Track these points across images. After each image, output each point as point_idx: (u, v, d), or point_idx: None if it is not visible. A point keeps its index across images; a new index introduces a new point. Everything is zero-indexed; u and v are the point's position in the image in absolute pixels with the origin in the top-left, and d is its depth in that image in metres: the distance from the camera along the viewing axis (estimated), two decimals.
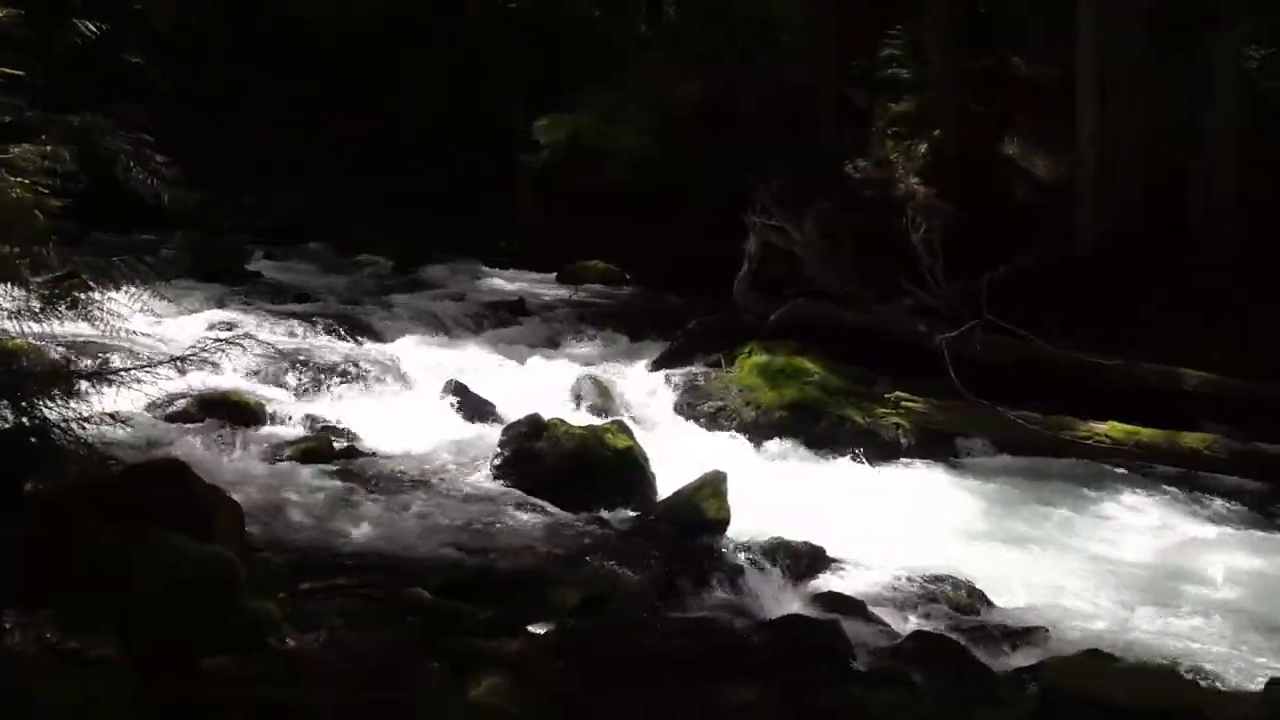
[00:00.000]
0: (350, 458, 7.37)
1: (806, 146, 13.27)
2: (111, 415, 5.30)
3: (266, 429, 7.76)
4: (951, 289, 10.07)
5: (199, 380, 8.06)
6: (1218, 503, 7.82)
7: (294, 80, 17.18)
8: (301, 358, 9.20)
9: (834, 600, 5.83)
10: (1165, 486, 8.15)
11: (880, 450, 8.80)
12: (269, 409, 8.03)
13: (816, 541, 6.48)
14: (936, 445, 8.94)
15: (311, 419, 8.03)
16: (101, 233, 8.82)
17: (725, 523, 6.43)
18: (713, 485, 6.50)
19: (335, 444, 7.60)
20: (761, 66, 14.13)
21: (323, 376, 8.94)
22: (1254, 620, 5.97)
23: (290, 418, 8.06)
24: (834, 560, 6.43)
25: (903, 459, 8.76)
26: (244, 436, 7.47)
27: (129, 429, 6.61)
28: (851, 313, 10.12)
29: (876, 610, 5.83)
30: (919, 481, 8.25)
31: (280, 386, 8.64)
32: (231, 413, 7.79)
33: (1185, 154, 11.67)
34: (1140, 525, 7.54)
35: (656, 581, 5.59)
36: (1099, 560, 6.97)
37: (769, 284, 10.74)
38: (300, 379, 8.82)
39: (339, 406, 8.45)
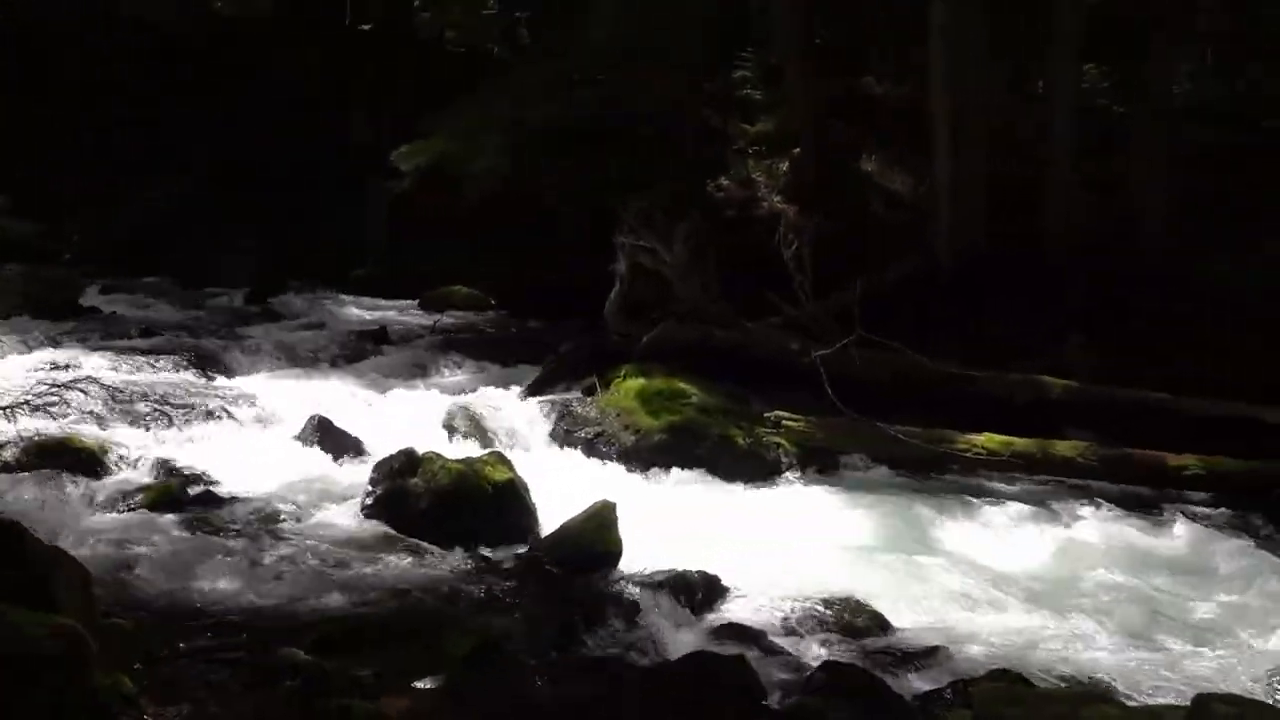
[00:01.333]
0: (207, 504, 6.74)
1: (669, 167, 13.12)
2: None
3: (112, 477, 7.08)
4: (820, 305, 10.01)
5: (32, 425, 7.40)
6: (1095, 508, 7.82)
7: (146, 83, 16.17)
8: (149, 397, 8.50)
9: (735, 632, 5.53)
10: (1043, 495, 8.17)
11: (763, 470, 8.59)
12: (113, 454, 7.34)
13: (711, 570, 6.20)
14: (818, 463, 8.78)
15: (162, 463, 7.36)
16: None
17: (617, 555, 6.08)
18: (601, 516, 6.14)
19: (190, 489, 6.97)
20: (618, 89, 13.95)
21: (173, 416, 8.26)
22: (1151, 624, 5.93)
23: (138, 462, 7.39)
24: (729, 589, 6.15)
25: (786, 478, 8.56)
26: (86, 487, 6.80)
27: None
28: (723, 331, 9.93)
29: (778, 640, 5.55)
30: (804, 501, 8.05)
31: (125, 427, 7.92)
32: (71, 460, 7.08)
33: (1028, 173, 11.97)
34: (1025, 535, 7.46)
35: (550, 623, 5.20)
36: (987, 572, 6.85)
37: (639, 305, 10.47)
38: (148, 420, 8.13)
39: (192, 449, 7.79)
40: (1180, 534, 7.43)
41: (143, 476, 7.18)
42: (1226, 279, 9.58)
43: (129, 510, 6.54)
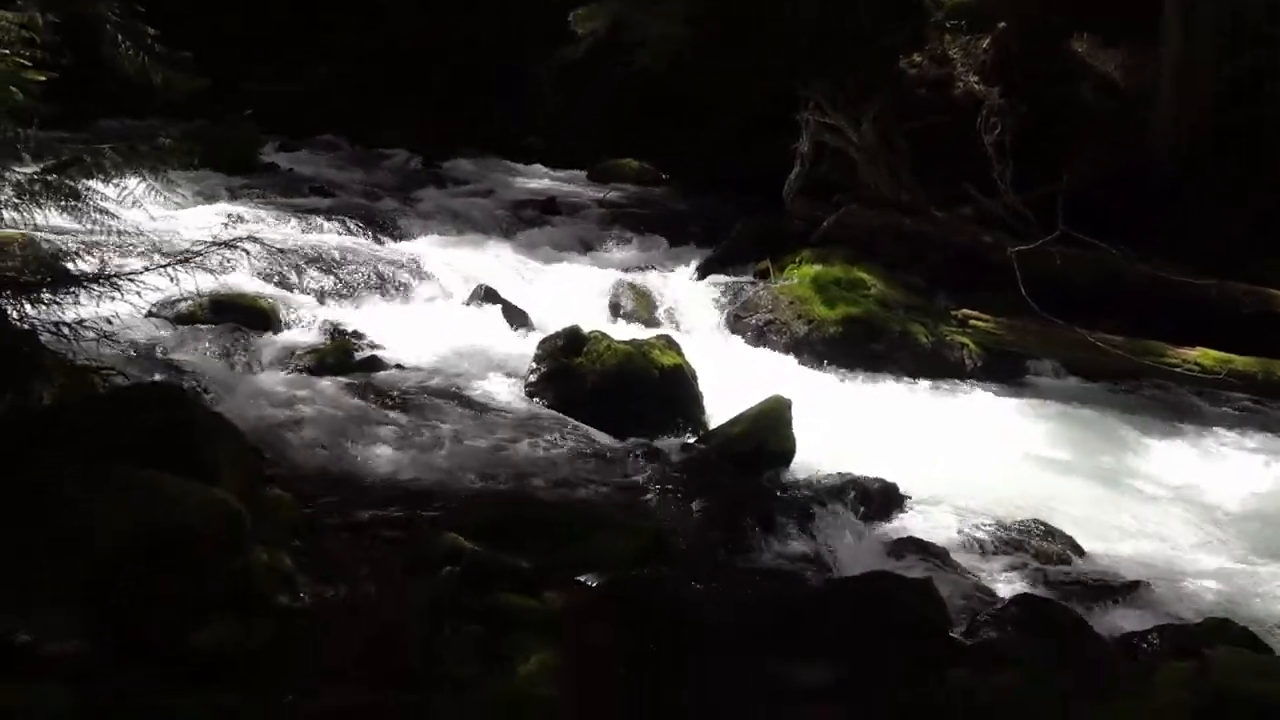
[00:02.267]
0: (371, 369, 6.60)
1: (855, 40, 12.20)
2: (109, 320, 4.63)
3: (281, 335, 6.99)
4: (1018, 197, 9.18)
5: (209, 279, 7.36)
6: None
7: None
8: (319, 258, 8.38)
9: (915, 548, 5.09)
10: (1262, 422, 7.37)
11: (945, 371, 8.02)
12: (284, 314, 7.25)
13: (887, 477, 5.75)
14: (1004, 367, 8.15)
15: (330, 325, 7.24)
16: (88, 118, 7.94)
17: (790, 455, 5.67)
18: (775, 413, 5.72)
19: (355, 353, 6.83)
20: None
21: (342, 279, 8.13)
22: None
23: (307, 323, 7.29)
24: (907, 499, 5.71)
25: (970, 381, 7.97)
26: (256, 343, 6.72)
27: (130, 334, 6.01)
28: (910, 219, 9.23)
29: (963, 561, 5.11)
30: (990, 408, 7.46)
31: (296, 289, 7.82)
32: (243, 316, 7.02)
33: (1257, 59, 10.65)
34: (1240, 465, 6.75)
35: (719, 524, 4.85)
36: (1195, 504, 6.20)
37: (821, 187, 9.83)
38: (318, 281, 8.01)
39: (360, 312, 7.66)
40: None
41: (311, 337, 7.08)
42: None
43: (296, 370, 6.45)
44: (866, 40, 11.97)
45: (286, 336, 6.98)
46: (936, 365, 8.05)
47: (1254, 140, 10.05)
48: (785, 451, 5.63)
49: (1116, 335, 7.93)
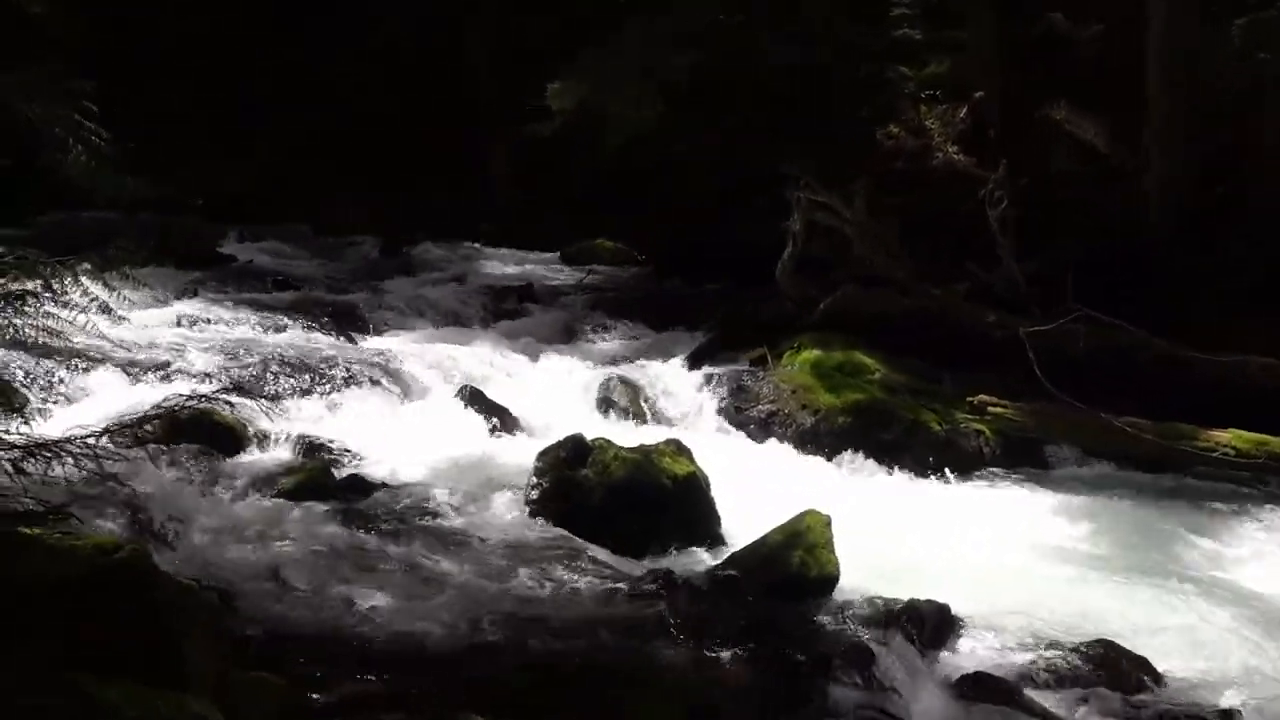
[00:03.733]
0: (354, 492, 5.89)
1: (829, 116, 11.82)
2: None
3: (252, 456, 6.30)
4: (1015, 271, 8.73)
5: (168, 390, 6.66)
6: None
7: (240, 42, 15.35)
8: (288, 361, 7.71)
9: (982, 686, 4.46)
10: None
11: (962, 462, 7.47)
12: (253, 430, 6.53)
13: (935, 595, 5.13)
14: (1024, 454, 7.63)
15: (305, 440, 6.55)
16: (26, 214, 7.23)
17: (834, 581, 5.03)
18: (813, 531, 5.09)
19: (335, 471, 6.13)
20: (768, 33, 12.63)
21: (314, 384, 7.45)
22: None
23: (279, 439, 6.59)
24: (960, 621, 5.08)
25: (989, 472, 7.44)
26: (225, 467, 6.01)
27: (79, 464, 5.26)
28: (910, 299, 8.74)
29: (1034, 697, 4.47)
30: (1020, 503, 6.90)
31: (264, 398, 7.07)
32: (209, 435, 6.28)
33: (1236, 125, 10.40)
34: None
35: (767, 673, 4.18)
36: (1254, 604, 5.65)
37: (813, 267, 9.33)
38: (288, 388, 7.34)
39: (336, 422, 6.98)
40: None
41: (286, 455, 6.40)
42: None
43: (271, 497, 5.72)
44: (840, 114, 11.66)
45: (258, 457, 6.28)
46: (953, 455, 7.50)
47: (1239, 211, 9.76)
48: (828, 577, 4.99)
49: (1132, 416, 7.44)
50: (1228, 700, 4.61)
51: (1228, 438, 7.02)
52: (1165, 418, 7.53)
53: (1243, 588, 5.78)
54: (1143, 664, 4.88)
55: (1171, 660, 4.98)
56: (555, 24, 14.41)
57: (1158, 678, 4.82)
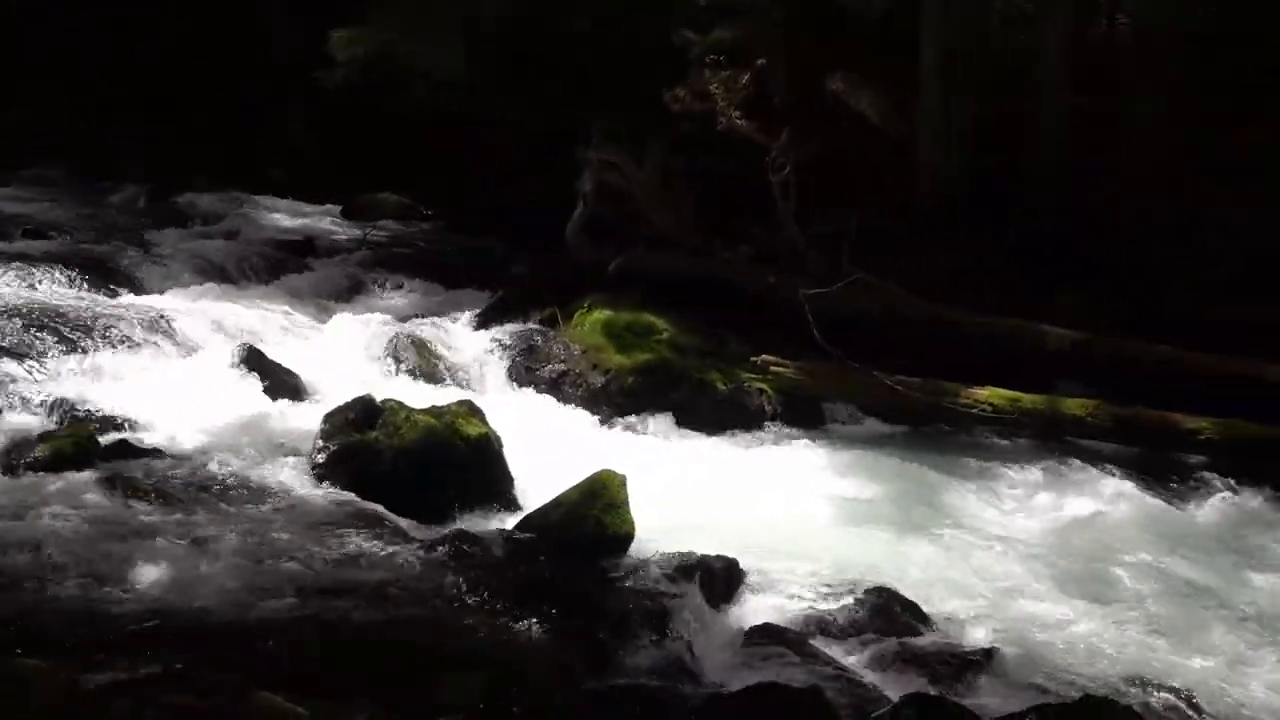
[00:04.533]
0: (123, 458, 5.50)
1: (626, 75, 11.82)
2: None
3: (3, 423, 5.75)
4: (797, 235, 9.02)
5: None
6: (1108, 474, 7.09)
7: None
8: (41, 318, 7.12)
9: (771, 637, 4.62)
10: (1047, 454, 7.43)
11: (745, 419, 7.72)
12: (5, 394, 5.98)
13: (723, 550, 5.26)
14: (803, 413, 7.92)
15: (65, 404, 6.06)
16: None
17: (630, 538, 5.08)
18: (609, 491, 5.11)
19: (100, 439, 5.70)
20: None
21: (74, 343, 6.90)
22: (1201, 625, 5.23)
23: (33, 402, 6.07)
24: (747, 575, 5.24)
25: (770, 428, 7.71)
26: None
27: None
28: (697, 261, 8.88)
29: (823, 649, 4.66)
30: (797, 457, 7.17)
31: (14, 360, 6.52)
32: None
33: (1013, 106, 11.06)
34: (1041, 504, 6.69)
35: (570, 638, 4.17)
36: (1011, 550, 6.06)
37: (602, 228, 9.33)
38: (42, 348, 6.76)
39: (100, 385, 6.49)
40: (1205, 506, 6.76)
41: (41, 421, 5.88)
42: (1228, 223, 8.81)
43: (27, 470, 5.26)
44: (637, 75, 11.67)
45: (10, 422, 5.76)
46: (737, 413, 7.73)
47: (1010, 182, 10.38)
48: (624, 535, 5.03)
49: (904, 375, 7.85)
50: (990, 639, 4.95)
51: (986, 394, 7.51)
52: (935, 375, 7.98)
53: (1003, 534, 6.21)
54: (914, 609, 5.18)
55: (940, 604, 5.32)
56: None
57: (926, 620, 5.13)
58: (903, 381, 7.58)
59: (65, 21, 13.95)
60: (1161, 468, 7.29)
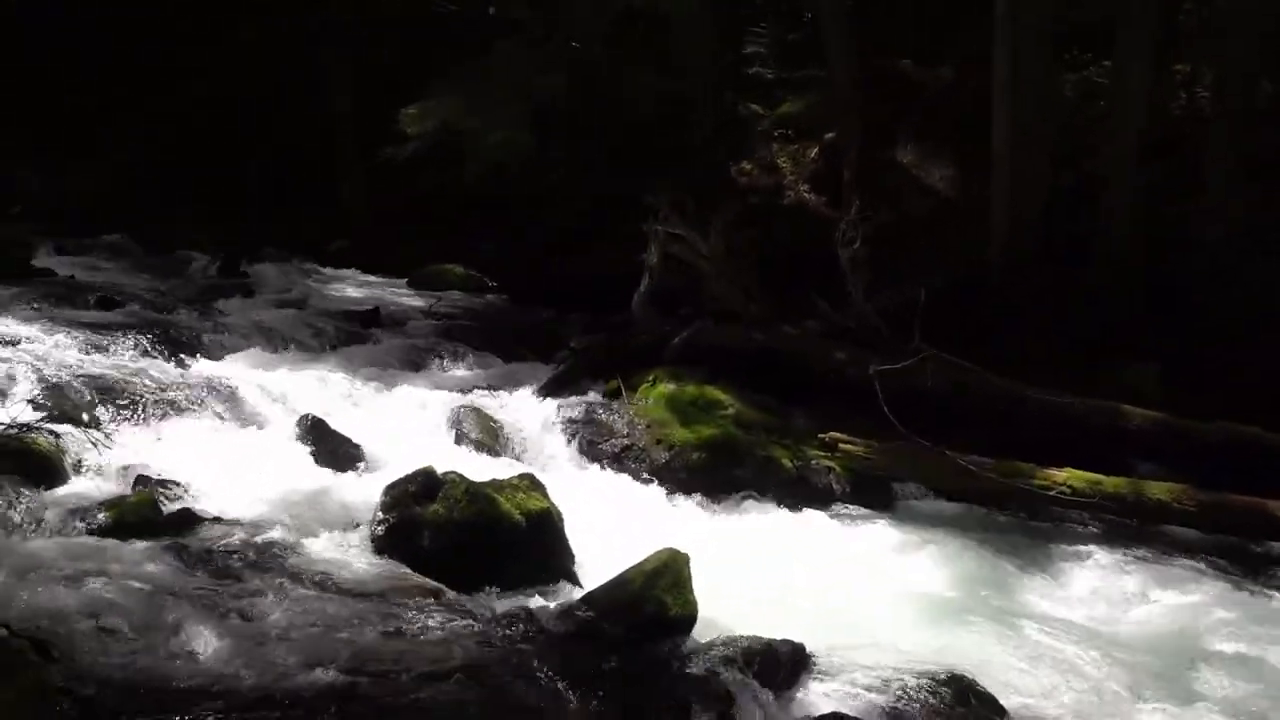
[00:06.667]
0: (185, 526, 5.56)
1: (688, 149, 11.99)
2: None
3: (68, 487, 5.87)
4: (867, 309, 8.97)
5: None
6: (1194, 560, 6.89)
7: (91, 43, 14.67)
8: (111, 386, 7.25)
9: None
10: (1128, 539, 7.23)
11: (813, 498, 7.62)
12: (70, 459, 6.12)
13: (790, 634, 5.15)
14: (871, 491, 7.81)
15: (130, 470, 6.16)
16: None
17: (692, 621, 4.99)
18: (671, 571, 5.04)
19: (164, 506, 5.79)
20: (635, 61, 12.74)
21: (141, 411, 7.04)
22: None
23: (101, 469, 6.19)
24: (814, 659, 5.11)
25: (839, 508, 7.59)
26: (38, 500, 5.57)
27: None
28: (763, 335, 8.87)
29: None
30: (869, 539, 7.04)
31: (84, 426, 6.67)
32: (18, 465, 5.83)
33: (1081, 171, 11.02)
34: (1119, 592, 6.50)
35: None
36: (1092, 636, 5.89)
37: (668, 299, 9.39)
38: (111, 415, 6.89)
39: (164, 452, 6.58)
40: None
41: (107, 487, 5.99)
42: None
43: (90, 533, 5.35)
44: (698, 148, 11.86)
45: (75, 488, 5.87)
46: (804, 491, 7.65)
47: (1083, 255, 10.31)
48: (688, 617, 4.95)
49: (973, 451, 7.71)
50: None
51: (1064, 476, 7.34)
52: (1004, 452, 7.83)
53: (1082, 624, 6.02)
54: (991, 701, 5.01)
55: (1017, 696, 5.15)
56: (419, 47, 14.28)
57: (1004, 714, 4.96)
58: (975, 462, 7.44)
59: (112, 77, 14.55)
60: (1251, 557, 7.06)
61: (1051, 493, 7.30)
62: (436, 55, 12.88)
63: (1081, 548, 7.07)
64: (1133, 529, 7.45)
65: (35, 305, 9.49)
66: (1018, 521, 7.58)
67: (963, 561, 6.76)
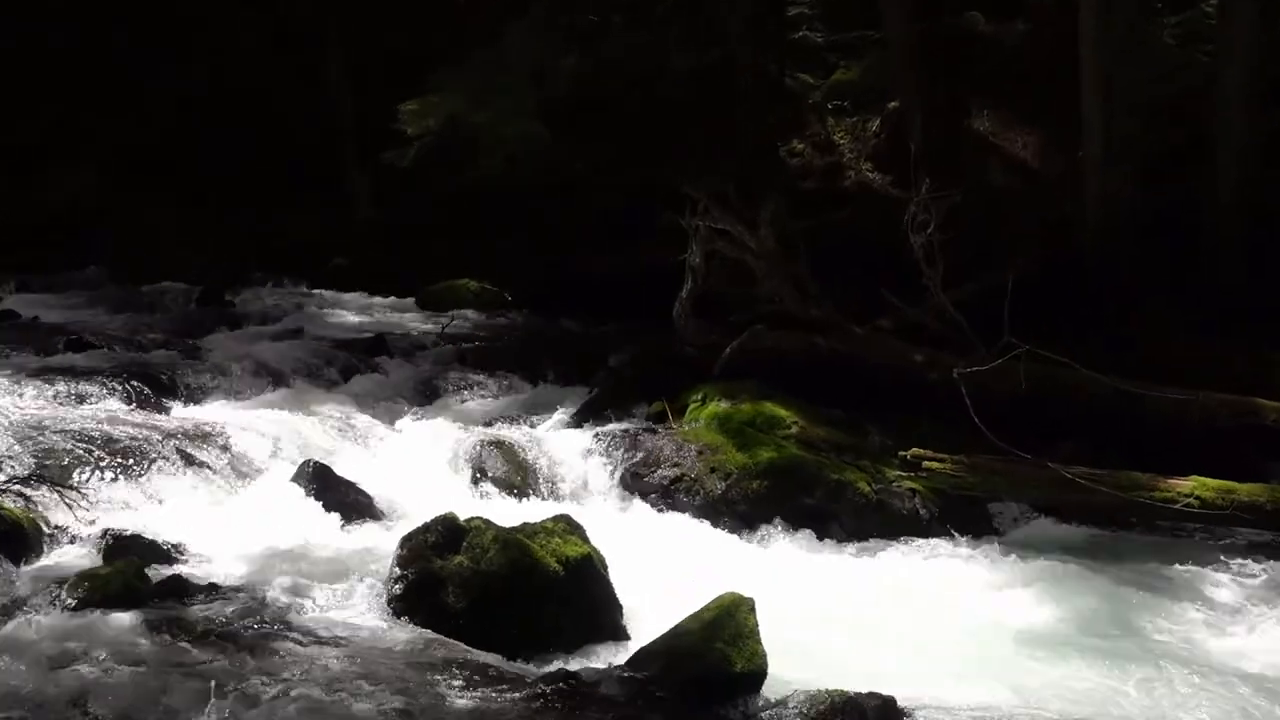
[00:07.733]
0: (176, 595, 5.59)
1: (729, 129, 11.97)
2: None
3: (44, 559, 5.96)
4: (942, 304, 8.89)
5: None
6: None
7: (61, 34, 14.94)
8: (87, 438, 7.36)
9: None
10: (1269, 557, 7.09)
11: (897, 526, 7.57)
12: (44, 523, 6.21)
13: (877, 687, 5.10)
14: (962, 514, 7.73)
15: (112, 536, 6.24)
16: None
17: (762, 675, 4.95)
18: (734, 620, 5.01)
19: (150, 573, 5.83)
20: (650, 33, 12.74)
21: (120, 464, 7.13)
22: None
23: (79, 534, 6.28)
24: (906, 715, 5.06)
25: (923, 535, 7.50)
26: (9, 576, 5.66)
27: None
28: (827, 339, 8.82)
29: None
30: (960, 571, 6.97)
31: (58, 484, 6.76)
32: None
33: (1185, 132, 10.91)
34: (1263, 618, 6.39)
35: None
36: (1233, 672, 5.77)
37: (714, 305, 9.37)
38: (89, 472, 7.00)
39: (150, 511, 6.70)
40: None
41: (86, 555, 6.07)
42: None
43: (70, 609, 5.37)
44: (741, 126, 11.83)
45: (52, 559, 5.96)
46: (885, 519, 7.60)
47: (1188, 224, 10.18)
48: (756, 671, 4.91)
49: (1077, 460, 7.60)
50: None
51: (1190, 485, 7.22)
52: (1114, 461, 7.73)
53: (1223, 659, 5.90)
54: None
55: None
56: (425, 41, 14.41)
57: None
58: (1084, 474, 7.33)
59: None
60: None
61: (1176, 505, 7.18)
62: (439, 41, 13.01)
63: (1217, 569, 6.96)
64: (1276, 543, 7.32)
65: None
66: (1138, 540, 7.48)
67: (1074, 591, 6.66)
